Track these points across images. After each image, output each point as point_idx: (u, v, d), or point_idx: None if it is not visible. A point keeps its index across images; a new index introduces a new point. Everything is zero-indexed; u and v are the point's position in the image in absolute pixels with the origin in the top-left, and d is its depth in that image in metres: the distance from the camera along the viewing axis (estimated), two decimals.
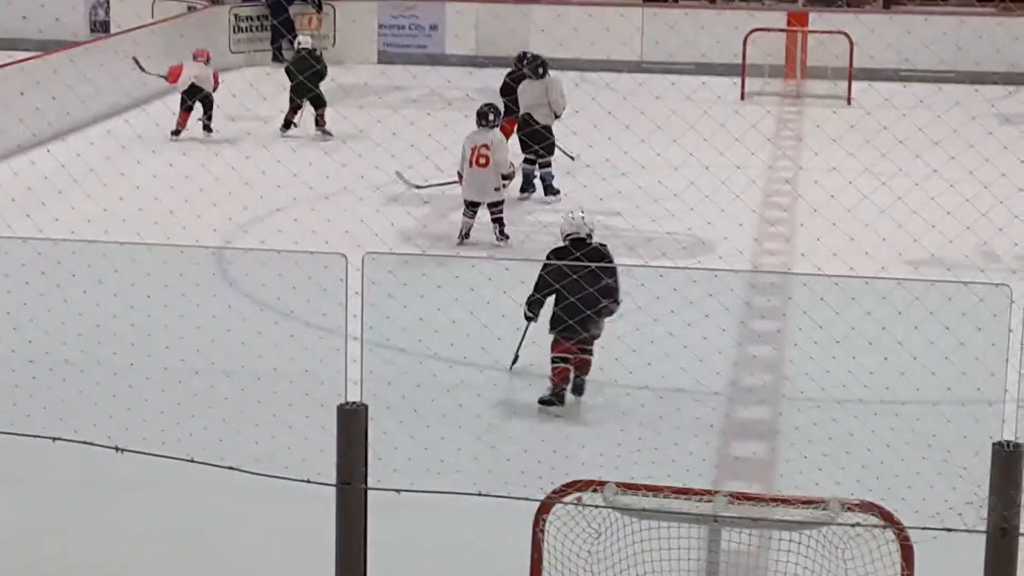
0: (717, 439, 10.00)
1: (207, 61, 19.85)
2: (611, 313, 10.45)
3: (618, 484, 6.08)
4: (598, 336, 10.51)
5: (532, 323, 10.67)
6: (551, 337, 10.45)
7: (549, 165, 16.59)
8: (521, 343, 10.91)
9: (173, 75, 19.53)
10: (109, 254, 11.24)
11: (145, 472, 8.41)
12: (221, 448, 8.37)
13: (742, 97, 22.49)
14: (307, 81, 18.92)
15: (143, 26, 23.93)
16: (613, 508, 6.05)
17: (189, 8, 25.59)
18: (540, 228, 14.53)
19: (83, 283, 11.26)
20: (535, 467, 8.47)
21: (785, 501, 6.07)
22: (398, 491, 6.42)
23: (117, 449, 6.81)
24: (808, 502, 6.01)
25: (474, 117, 14.68)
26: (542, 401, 10.43)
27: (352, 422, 6.21)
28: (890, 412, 9.90)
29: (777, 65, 24.22)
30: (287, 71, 20.13)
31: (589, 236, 10.79)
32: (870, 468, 8.62)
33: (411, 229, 14.76)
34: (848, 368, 9.99)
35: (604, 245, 10.92)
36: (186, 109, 19.43)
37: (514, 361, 11.05)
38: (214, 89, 19.56)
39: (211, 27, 24.86)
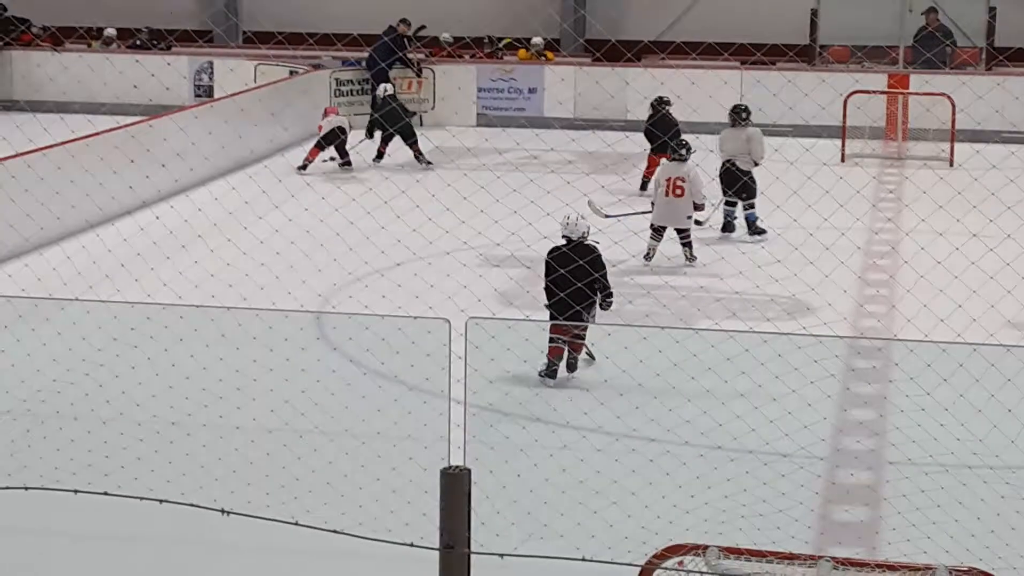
0: (821, 504, 9.91)
1: (337, 114, 22.59)
2: (608, 306, 12.38)
3: (721, 548, 6.05)
4: (590, 322, 12.28)
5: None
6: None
7: (753, 207, 17.77)
8: None
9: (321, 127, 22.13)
10: (216, 318, 11.36)
11: (250, 535, 8.48)
12: (325, 511, 8.42)
13: (842, 159, 22.38)
14: (389, 116, 21.70)
15: (246, 90, 24.33)
16: (715, 573, 6.01)
17: (291, 72, 25.96)
18: (641, 293, 14.51)
19: (190, 347, 11.41)
20: (638, 532, 8.42)
21: (891, 567, 6.01)
22: (501, 556, 6.42)
23: (223, 512, 6.86)
24: (915, 568, 5.93)
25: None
26: (540, 374, 12.05)
27: (455, 486, 6.22)
28: (1000, 479, 9.75)
29: (877, 127, 24.08)
30: (372, 109, 23.30)
31: (583, 237, 12.47)
32: (979, 536, 8.49)
33: (511, 292, 14.81)
34: (956, 435, 9.87)
35: (598, 242, 12.65)
36: (318, 147, 21.77)
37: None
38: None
39: (312, 91, 25.20)
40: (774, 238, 14.20)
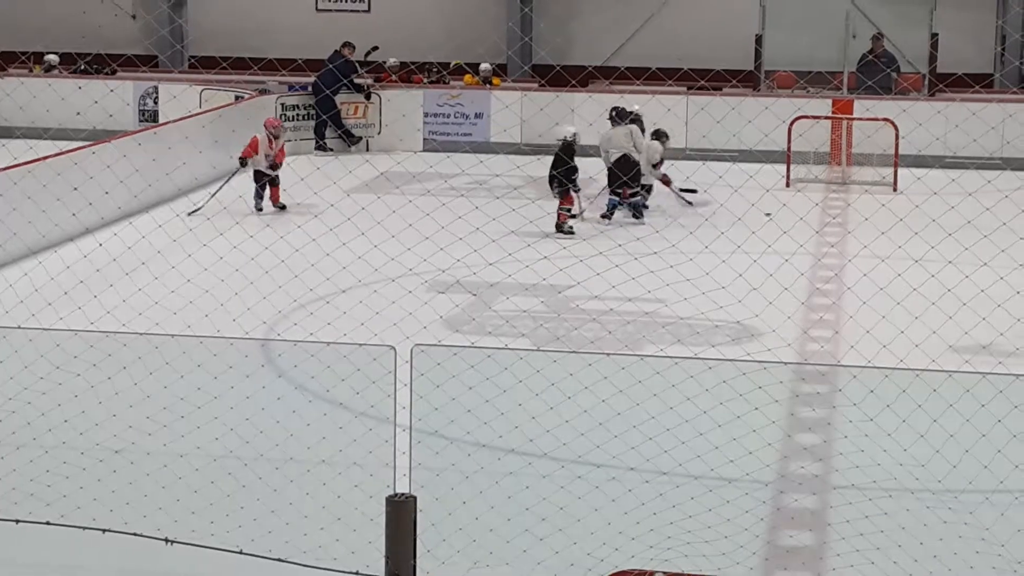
0: (766, 530, 9.94)
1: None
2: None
3: (666, 574, 6.06)
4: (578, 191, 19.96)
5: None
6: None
7: (638, 195, 20.93)
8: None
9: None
10: (160, 346, 11.31)
11: (194, 564, 8.42)
12: (270, 540, 8.40)
13: (787, 184, 22.52)
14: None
15: (191, 116, 24.25)
16: None
17: (236, 97, 25.91)
18: (587, 319, 14.56)
19: (133, 375, 11.33)
20: (584, 559, 8.43)
21: None
22: None
23: (167, 541, 6.84)
24: None
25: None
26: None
27: (401, 513, 6.23)
28: (942, 504, 9.82)
29: (822, 152, 24.25)
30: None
31: (573, 137, 20.04)
32: (922, 560, 8.55)
33: (457, 319, 14.80)
34: (899, 460, 9.93)
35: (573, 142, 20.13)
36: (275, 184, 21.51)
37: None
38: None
39: (258, 116, 25.14)
40: (719, 264, 14.31)
